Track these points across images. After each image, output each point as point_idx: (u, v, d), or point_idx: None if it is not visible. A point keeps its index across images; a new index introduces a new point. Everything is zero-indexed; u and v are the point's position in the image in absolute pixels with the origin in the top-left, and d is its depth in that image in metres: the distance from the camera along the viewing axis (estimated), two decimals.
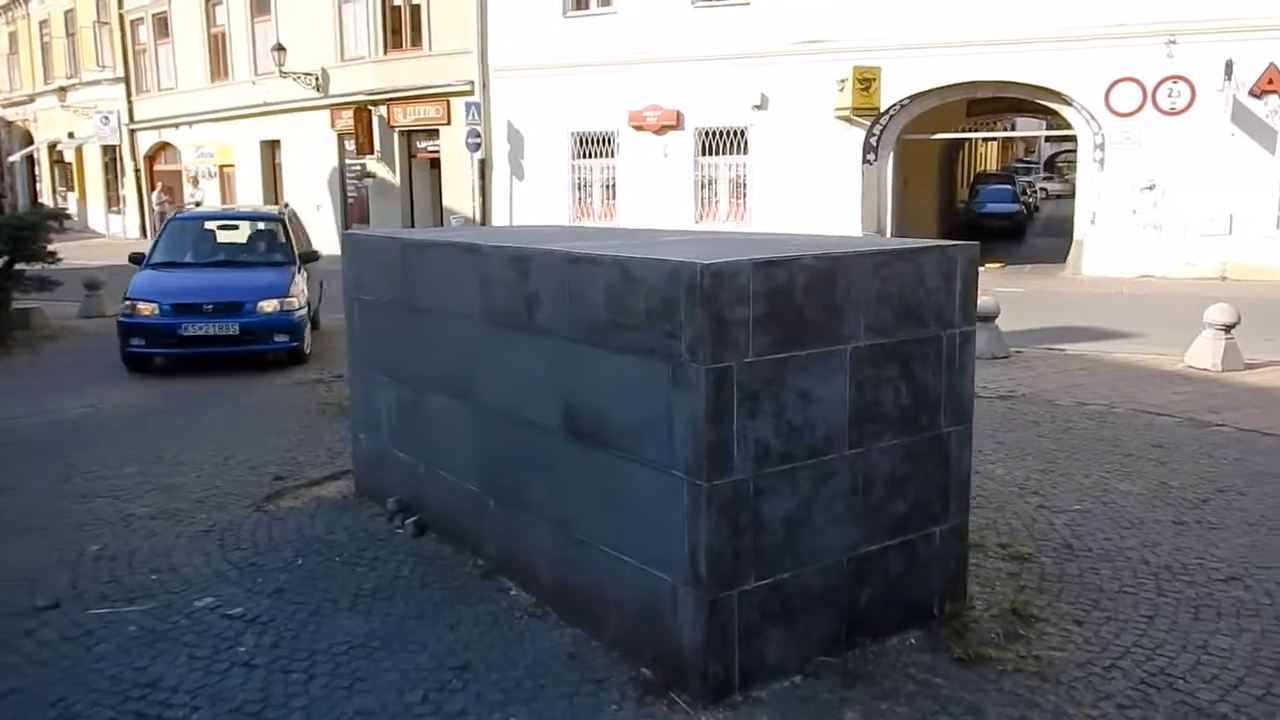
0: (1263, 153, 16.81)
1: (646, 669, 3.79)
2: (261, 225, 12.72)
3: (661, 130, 21.66)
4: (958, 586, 4.26)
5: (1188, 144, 17.17)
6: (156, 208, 30.22)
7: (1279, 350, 10.54)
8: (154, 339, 10.53)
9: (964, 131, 26.26)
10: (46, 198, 40.43)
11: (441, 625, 4.30)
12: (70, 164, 39.72)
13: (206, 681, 3.87)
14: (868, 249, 3.78)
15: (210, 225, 12.93)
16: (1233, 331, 10.01)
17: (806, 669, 3.76)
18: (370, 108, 25.12)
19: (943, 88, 19.19)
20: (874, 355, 3.80)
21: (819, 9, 19.40)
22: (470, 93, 23.23)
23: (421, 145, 25.44)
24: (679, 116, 21.40)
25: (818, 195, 19.81)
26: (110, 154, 36.25)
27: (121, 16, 33.74)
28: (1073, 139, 32.44)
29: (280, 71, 26.24)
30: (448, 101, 23.88)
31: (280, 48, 25.95)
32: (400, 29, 25.00)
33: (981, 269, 4.31)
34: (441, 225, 24.67)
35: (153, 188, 33.32)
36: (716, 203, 21.68)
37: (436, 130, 24.60)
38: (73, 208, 37.69)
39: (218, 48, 30.40)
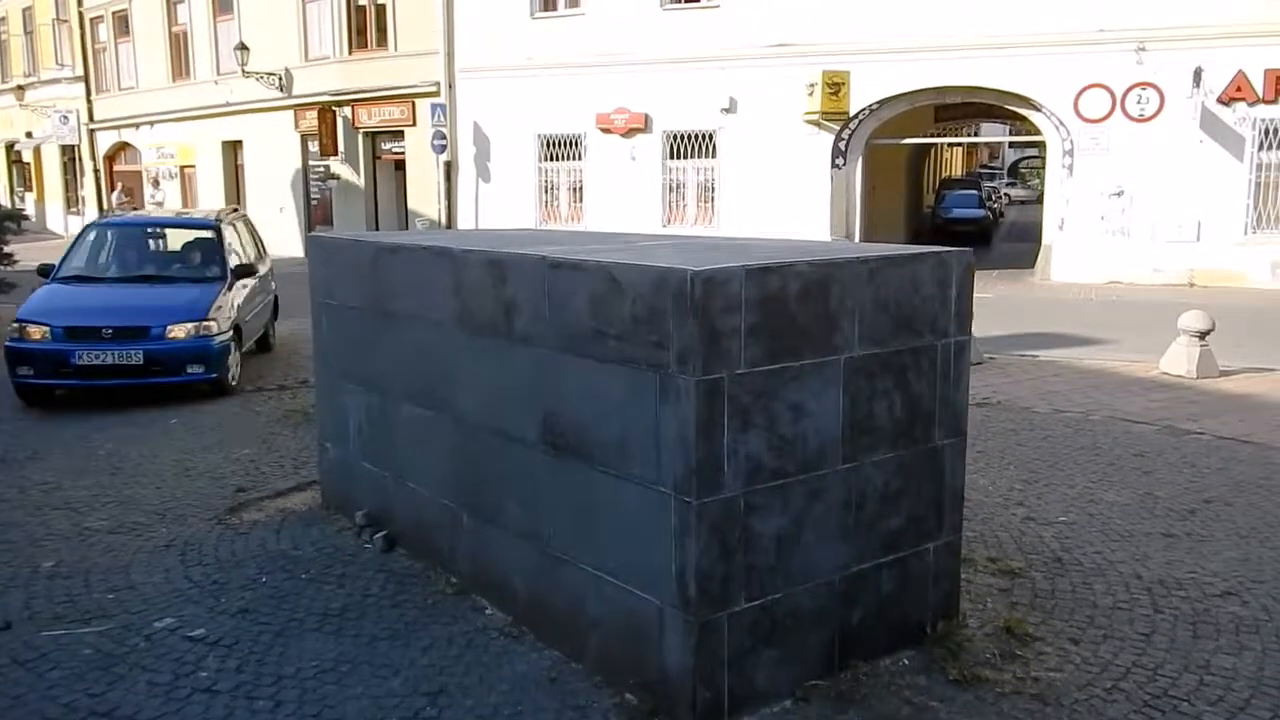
0: (1231, 160, 16.95)
1: (631, 694, 3.61)
2: (192, 234, 11.01)
3: (629, 133, 21.51)
4: (951, 604, 4.13)
5: (1156, 151, 17.28)
6: (116, 209, 29.59)
7: (1251, 357, 10.56)
8: (44, 368, 8.82)
9: (932, 137, 26.33)
10: (3, 198, 39.49)
11: (414, 647, 4.10)
12: (28, 164, 38.85)
13: (166, 710, 3.65)
14: (862, 255, 3.63)
15: (132, 233, 11.23)
16: (1207, 338, 10.02)
17: (797, 693, 3.61)
18: (334, 109, 24.74)
19: (912, 92, 19.19)
20: (868, 366, 3.66)
21: (788, 12, 19.34)
22: (436, 94, 22.93)
23: (386, 147, 25.10)
24: (647, 119, 21.26)
25: (786, 199, 19.74)
26: (69, 154, 35.47)
27: (81, 14, 33.03)
28: (1037, 145, 32.65)
29: (243, 71, 25.77)
30: (413, 103, 23.57)
31: (243, 47, 25.49)
32: (365, 29, 24.64)
33: None
34: (406, 228, 24.36)
35: (112, 188, 32.64)
36: (684, 206, 21.56)
37: (401, 132, 24.28)
38: (30, 208, 36.82)
39: (179, 47, 29.82)
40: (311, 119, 25.00)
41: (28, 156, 38.33)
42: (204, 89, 28.41)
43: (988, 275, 20.50)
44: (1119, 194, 17.73)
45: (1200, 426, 7.95)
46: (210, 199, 29.35)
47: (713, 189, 21.12)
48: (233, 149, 28.64)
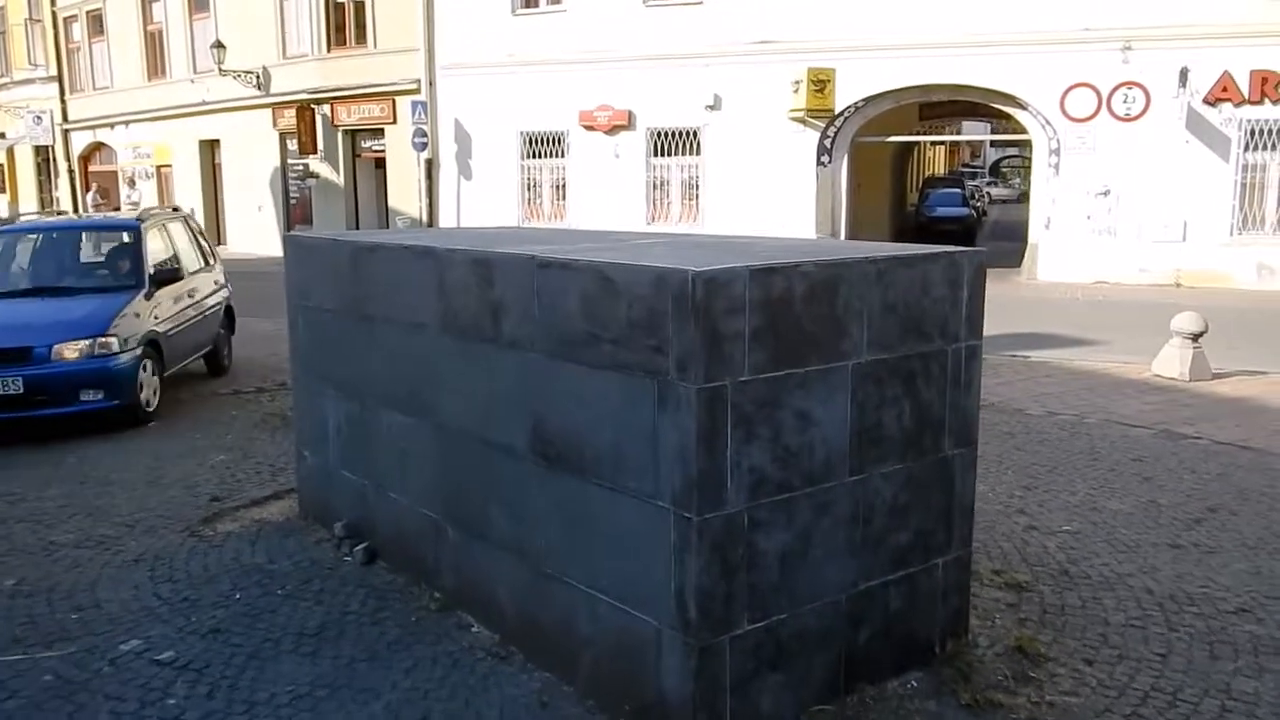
0: (1217, 160, 16.89)
1: None
2: (105, 239, 9.48)
3: (613, 130, 21.29)
4: (960, 622, 3.94)
5: (1142, 150, 17.20)
6: (92, 209, 29.08)
7: (1243, 360, 10.45)
8: None
9: (916, 135, 26.23)
10: None
11: (396, 669, 3.88)
12: (1, 165, 38.22)
13: None
14: (871, 255, 3.44)
15: (35, 240, 9.64)
16: (1200, 340, 9.90)
17: (802, 719, 3.41)
18: (313, 106, 24.41)
19: (898, 90, 19.06)
20: (877, 372, 3.46)
21: (773, 9, 19.16)
22: (416, 91, 22.64)
23: (366, 145, 24.78)
24: (630, 116, 21.04)
25: (771, 197, 19.57)
26: (43, 154, 34.87)
27: (54, 14, 32.45)
28: (1019, 144, 32.50)
29: (220, 70, 25.36)
30: (393, 100, 23.27)
31: (220, 45, 25.09)
32: (344, 26, 24.30)
33: None
34: (387, 226, 24.06)
35: (87, 189, 32.09)
36: (668, 204, 21.36)
37: (382, 130, 23.97)
38: (3, 210, 36.22)
39: (154, 45, 29.34)
40: (290, 117, 24.66)
41: (1, 158, 37.70)
42: (180, 88, 27.98)
43: None
44: (1105, 193, 17.65)
45: (1197, 431, 7.81)
46: (187, 199, 28.91)
47: (697, 186, 20.93)
48: (210, 148, 28.23)
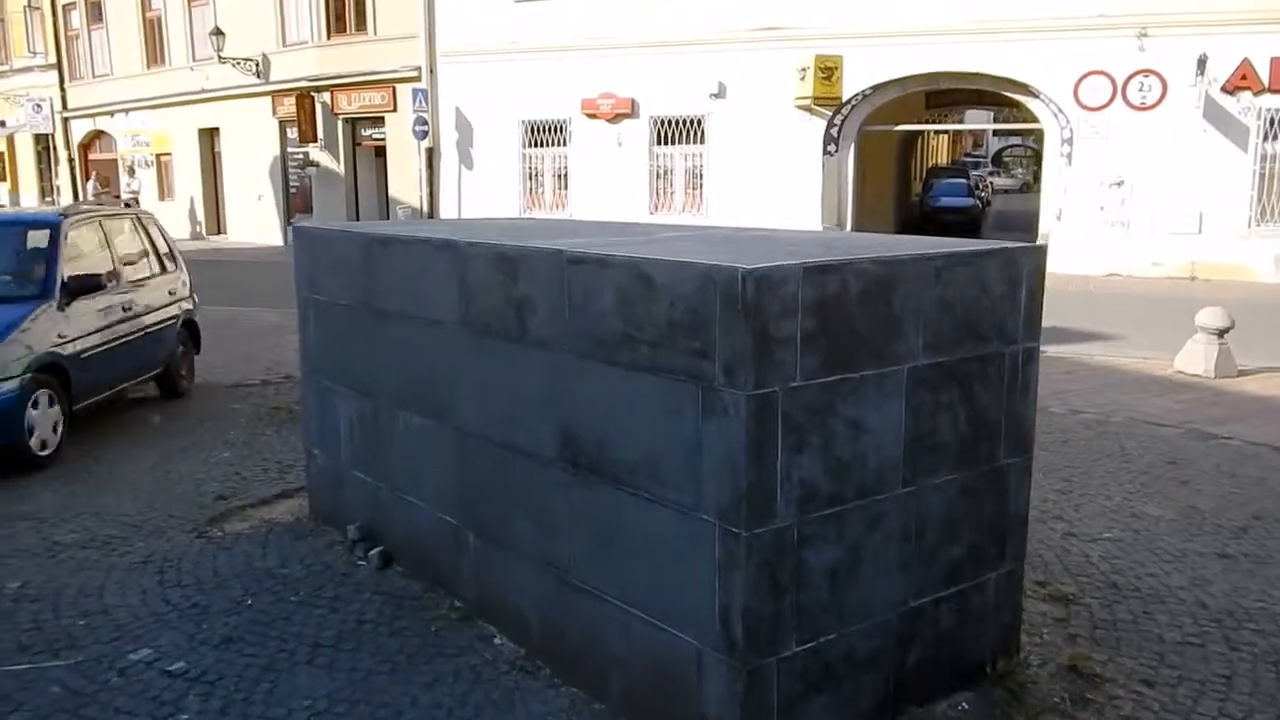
0: (1235, 150, 16.62)
1: None
2: (14, 239, 7.65)
3: (615, 119, 21.04)
4: (1011, 640, 3.74)
5: (1158, 140, 16.94)
6: (93, 198, 28.79)
7: (1268, 356, 10.23)
8: None
9: (924, 124, 25.94)
10: None
11: (416, 683, 3.67)
12: (1, 153, 37.88)
13: None
14: (927, 251, 3.22)
15: None
16: (1225, 336, 9.68)
17: None
18: (313, 94, 24.10)
19: (906, 78, 18.80)
20: (932, 377, 3.25)
21: None
22: (417, 79, 22.35)
23: (366, 133, 24.50)
24: (634, 105, 20.78)
25: (776, 186, 19.33)
26: (43, 143, 34.53)
27: (53, 1, 32.12)
28: (1022, 134, 32.06)
29: (219, 57, 25.02)
30: (393, 88, 22.98)
31: (219, 32, 24.76)
32: (344, 13, 23.96)
33: None
34: (388, 215, 23.81)
35: (87, 178, 31.78)
36: (671, 194, 21.12)
37: (382, 118, 23.69)
38: (4, 199, 35.93)
39: (153, 32, 28.99)
40: (290, 105, 24.36)
41: (1, 146, 37.38)
42: (179, 75, 27.65)
43: None
44: (1119, 184, 17.41)
45: (1228, 431, 7.60)
46: (187, 187, 28.66)
47: (701, 176, 20.69)
48: (209, 136, 27.94)
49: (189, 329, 9.16)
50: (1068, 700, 3.51)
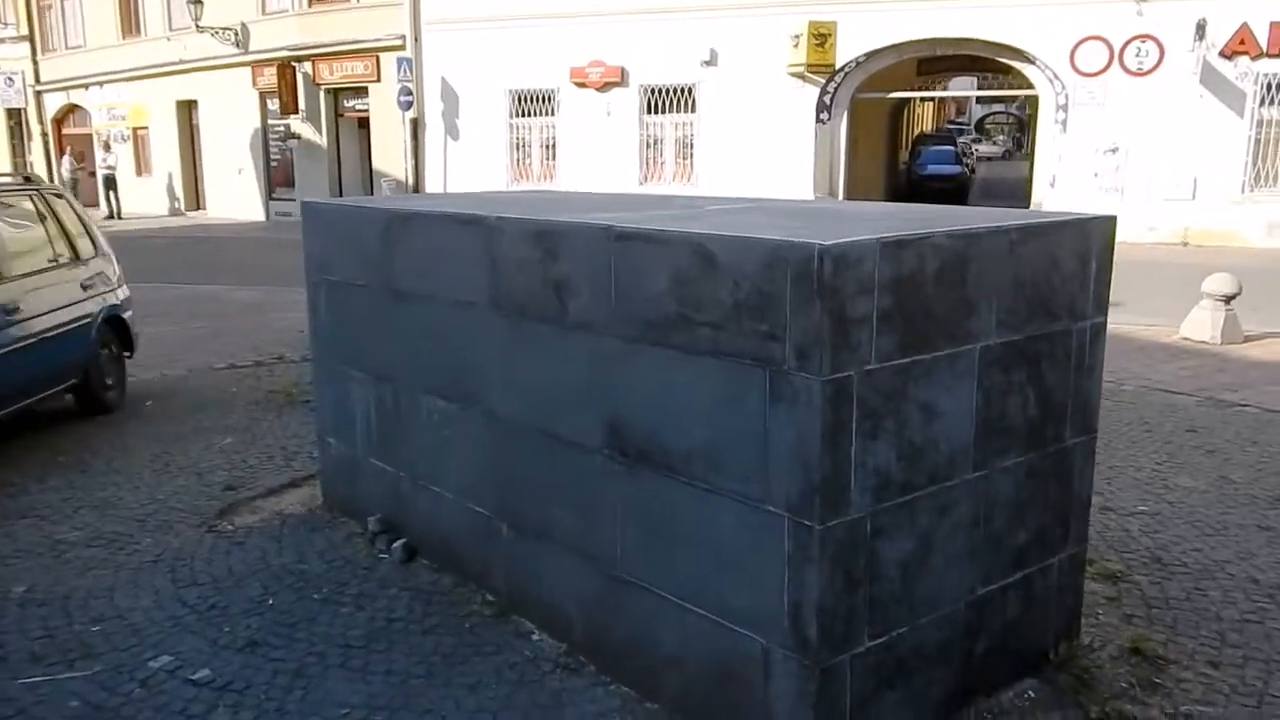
0: (1231, 116, 16.51)
1: None
2: None
3: (605, 88, 20.72)
4: (1073, 624, 3.61)
5: (1154, 106, 16.80)
6: (68, 174, 28.17)
7: (1271, 321, 10.17)
8: None
9: (917, 91, 25.70)
10: None
11: (457, 684, 3.50)
12: None
13: None
14: (1002, 224, 3.05)
15: None
16: (1232, 303, 9.62)
17: None
18: (294, 64, 23.63)
19: (901, 44, 18.57)
20: (1004, 356, 3.09)
21: None
22: (401, 48, 21.93)
23: (349, 104, 24.06)
24: (623, 73, 20.46)
25: (768, 155, 19.10)
26: (15, 117, 33.70)
27: None
28: (1004, 100, 31.69)
29: (197, 26, 24.47)
30: (377, 57, 22.55)
31: (196, 1, 24.20)
32: None
33: None
34: (371, 189, 23.43)
35: (62, 153, 31.12)
36: (662, 163, 20.86)
37: (365, 88, 23.26)
38: None
39: (129, 2, 28.31)
40: (270, 76, 23.88)
41: None
42: (156, 46, 27.03)
43: None
44: (1114, 150, 17.28)
45: (1242, 398, 7.54)
46: (164, 162, 28.10)
47: (691, 145, 20.43)
48: (187, 109, 27.38)
49: (114, 328, 7.51)
50: (1136, 686, 3.39)
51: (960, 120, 59.31)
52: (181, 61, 26.16)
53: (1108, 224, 3.38)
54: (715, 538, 3.01)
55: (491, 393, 3.88)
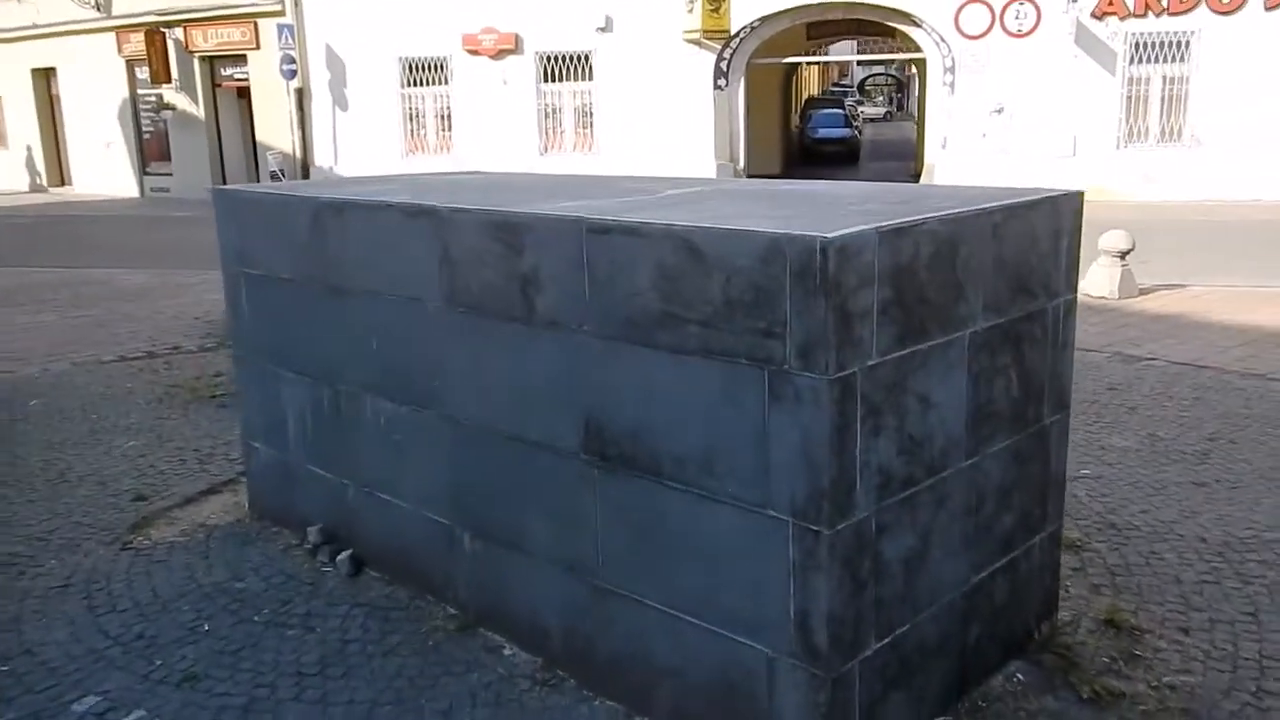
0: (1104, 74, 17.09)
1: None
2: None
3: (499, 55, 20.22)
4: (1052, 602, 3.61)
5: (1033, 66, 17.28)
6: None
7: (1158, 274, 10.63)
8: None
9: (806, 55, 25.87)
10: None
11: (429, 712, 3.27)
12: None
13: None
14: (985, 206, 2.96)
15: None
16: (1127, 258, 9.97)
17: None
18: (163, 30, 22.34)
19: (794, 9, 18.62)
20: (991, 340, 3.02)
21: None
22: (281, 13, 20.97)
23: (227, 73, 22.93)
24: (517, 40, 19.99)
25: (668, 123, 18.98)
26: None
27: None
28: (884, 63, 32.10)
29: None
30: (255, 23, 21.52)
31: None
32: None
33: None
34: (255, 162, 22.42)
35: None
36: (561, 133, 20.52)
37: (244, 56, 22.18)
38: None
39: None
40: (137, 42, 22.55)
41: None
42: (5, 10, 25.21)
43: None
44: (1000, 111, 17.71)
45: (1148, 352, 7.82)
46: (22, 134, 26.33)
47: (590, 114, 20.13)
48: (44, 77, 25.69)
49: None
50: (1119, 659, 3.41)
51: (844, 83, 60.28)
52: (35, 25, 24.47)
53: (1077, 199, 3.35)
54: (710, 545, 2.87)
55: (449, 395, 3.65)
